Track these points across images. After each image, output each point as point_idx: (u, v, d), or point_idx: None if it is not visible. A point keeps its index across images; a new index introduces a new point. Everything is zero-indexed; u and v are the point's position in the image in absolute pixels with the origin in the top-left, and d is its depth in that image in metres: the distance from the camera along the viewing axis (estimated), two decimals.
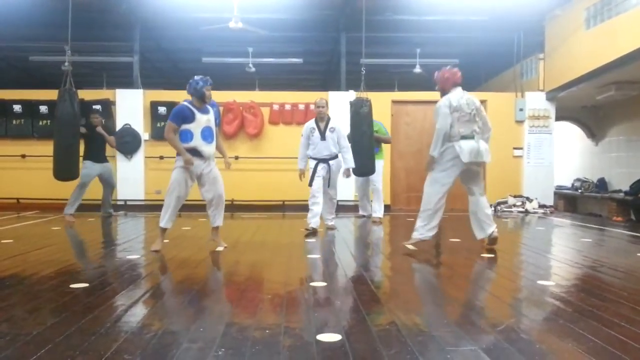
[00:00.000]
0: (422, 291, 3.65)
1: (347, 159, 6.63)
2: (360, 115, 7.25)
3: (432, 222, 5.15)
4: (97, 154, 8.12)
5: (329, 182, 6.72)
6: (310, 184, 6.65)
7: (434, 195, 5.11)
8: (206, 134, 5.00)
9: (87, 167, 8.00)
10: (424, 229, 5.17)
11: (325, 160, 6.60)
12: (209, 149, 5.05)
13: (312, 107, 9.56)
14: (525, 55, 10.72)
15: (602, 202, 11.06)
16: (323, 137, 6.55)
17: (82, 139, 7.76)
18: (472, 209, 5.20)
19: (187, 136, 4.94)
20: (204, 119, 4.99)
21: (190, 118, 4.91)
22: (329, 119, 6.66)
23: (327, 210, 6.93)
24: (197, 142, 4.95)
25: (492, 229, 5.11)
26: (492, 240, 5.13)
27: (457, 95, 4.97)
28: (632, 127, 10.80)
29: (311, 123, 6.70)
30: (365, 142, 7.19)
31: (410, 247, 5.23)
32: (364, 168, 7.19)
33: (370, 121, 7.32)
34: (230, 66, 11.85)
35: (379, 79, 12.62)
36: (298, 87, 12.71)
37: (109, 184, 8.40)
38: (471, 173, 5.11)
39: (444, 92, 5.10)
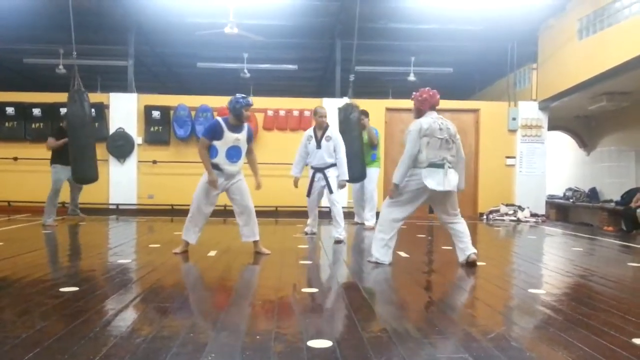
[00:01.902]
0: (413, 298, 3.65)
1: (341, 171, 6.43)
2: (351, 121, 7.29)
3: (389, 246, 4.77)
4: (65, 157, 7.90)
5: (329, 190, 6.46)
6: (307, 195, 6.66)
7: (390, 217, 4.74)
8: (232, 153, 4.96)
9: (57, 172, 7.79)
10: (382, 252, 4.79)
11: (320, 170, 6.51)
12: (231, 168, 5.00)
13: (306, 113, 9.62)
14: (519, 65, 10.79)
15: (594, 212, 11.13)
16: (319, 146, 6.47)
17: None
18: (452, 234, 4.90)
19: (212, 152, 4.96)
20: (232, 138, 4.94)
21: (219, 135, 4.90)
22: (327, 127, 6.56)
23: (333, 221, 6.50)
24: (220, 159, 4.94)
25: (470, 252, 4.80)
26: (470, 263, 4.78)
27: (431, 119, 4.72)
28: (623, 137, 10.89)
29: (310, 131, 6.67)
30: (355, 148, 7.19)
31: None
32: (355, 174, 7.16)
33: (359, 127, 7.35)
34: (225, 72, 11.87)
35: (373, 86, 12.67)
36: (293, 94, 12.71)
37: (76, 185, 8.15)
38: (442, 199, 4.74)
39: (419, 114, 4.85)
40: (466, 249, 4.81)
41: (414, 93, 5.00)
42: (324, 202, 7.05)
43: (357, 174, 7.26)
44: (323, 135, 6.50)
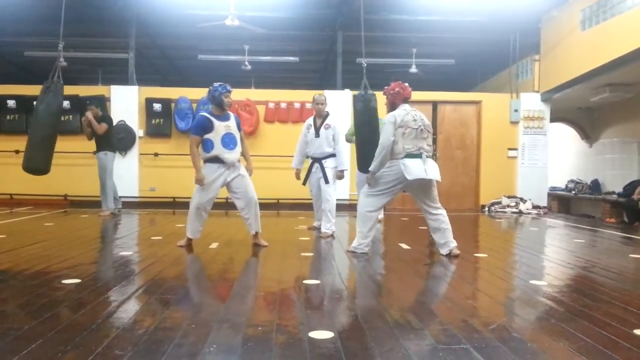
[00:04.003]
0: (415, 290, 3.66)
1: (340, 161, 6.30)
2: (370, 111, 6.92)
3: (368, 235, 4.94)
4: (112, 144, 8.23)
5: (325, 180, 6.26)
6: (303, 183, 6.57)
7: (365, 210, 4.91)
8: (227, 141, 4.96)
9: (109, 158, 8.12)
10: (361, 243, 4.96)
11: (318, 160, 6.34)
12: (231, 155, 4.99)
13: (308, 105, 9.58)
14: (521, 56, 10.74)
15: (596, 204, 11.11)
16: (317, 134, 6.30)
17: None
18: (432, 225, 4.96)
19: (208, 145, 4.93)
20: (223, 126, 4.94)
21: (209, 128, 4.90)
22: (327, 115, 6.42)
23: (323, 214, 6.34)
24: (218, 150, 4.92)
25: (452, 246, 4.85)
26: (453, 257, 4.81)
27: (404, 111, 4.80)
28: (625, 129, 10.85)
29: (310, 119, 6.53)
30: (375, 139, 6.90)
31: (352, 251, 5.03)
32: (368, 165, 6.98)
33: (376, 116, 7.13)
34: (226, 64, 11.84)
35: (375, 78, 12.57)
36: (294, 86, 12.69)
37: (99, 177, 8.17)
38: (421, 189, 4.86)
39: (392, 107, 4.95)
40: (446, 244, 4.88)
41: (385, 88, 5.10)
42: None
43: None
44: (322, 124, 6.34)
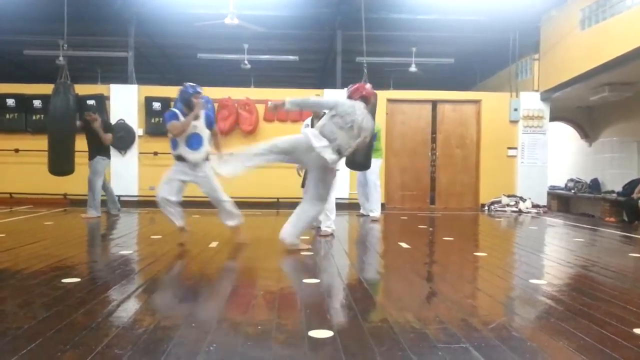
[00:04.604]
0: (414, 289, 3.66)
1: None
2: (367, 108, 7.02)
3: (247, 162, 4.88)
4: (108, 150, 7.99)
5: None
6: (302, 185, 6.57)
7: (266, 144, 4.93)
8: (192, 142, 5.02)
9: (102, 164, 7.85)
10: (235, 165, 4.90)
11: None
12: (194, 156, 5.06)
13: None
14: (521, 56, 10.74)
15: (595, 203, 11.12)
16: None
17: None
18: (296, 211, 4.94)
19: (174, 144, 5.04)
20: (190, 126, 5.00)
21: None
22: (324, 115, 6.49)
23: (322, 213, 6.28)
24: (182, 149, 5.02)
25: (284, 236, 4.85)
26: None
27: (354, 103, 4.74)
28: (625, 128, 10.86)
29: (307, 120, 6.57)
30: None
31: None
32: (357, 161, 7.03)
33: (373, 113, 7.16)
34: (226, 63, 11.82)
35: (374, 77, 12.56)
36: (293, 85, 12.70)
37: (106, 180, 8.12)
38: (311, 169, 4.87)
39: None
40: (286, 231, 4.85)
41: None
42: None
43: (361, 160, 7.11)
44: None
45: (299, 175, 6.59)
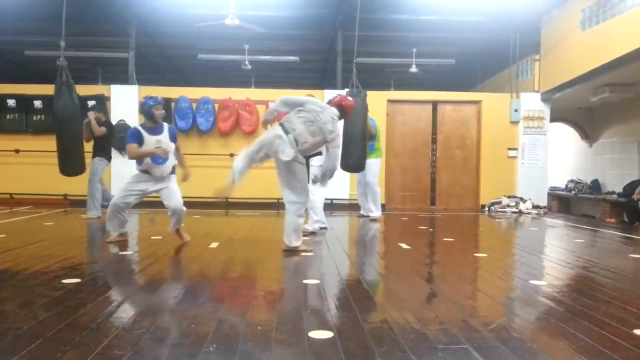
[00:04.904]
0: (414, 289, 3.66)
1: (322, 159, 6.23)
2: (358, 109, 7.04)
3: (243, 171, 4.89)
4: (108, 150, 8.01)
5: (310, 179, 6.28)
6: None
7: (247, 150, 4.92)
8: (155, 158, 5.05)
9: (101, 165, 7.87)
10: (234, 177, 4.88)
11: (306, 158, 6.40)
12: (159, 170, 5.10)
13: None
14: (521, 56, 10.73)
15: (596, 204, 11.11)
16: None
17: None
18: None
19: (139, 160, 5.07)
20: (153, 141, 5.02)
21: (140, 141, 5.00)
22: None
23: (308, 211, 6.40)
24: (147, 164, 5.06)
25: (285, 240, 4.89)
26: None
27: (323, 106, 4.81)
28: (625, 128, 10.85)
29: None
30: (354, 135, 7.01)
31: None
32: (351, 161, 7.05)
33: (364, 114, 7.17)
34: (226, 63, 11.83)
35: (375, 78, 12.62)
36: (294, 85, 12.68)
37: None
38: (279, 167, 4.84)
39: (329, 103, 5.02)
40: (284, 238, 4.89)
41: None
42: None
43: (355, 162, 7.14)
44: None
45: None
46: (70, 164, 6.91)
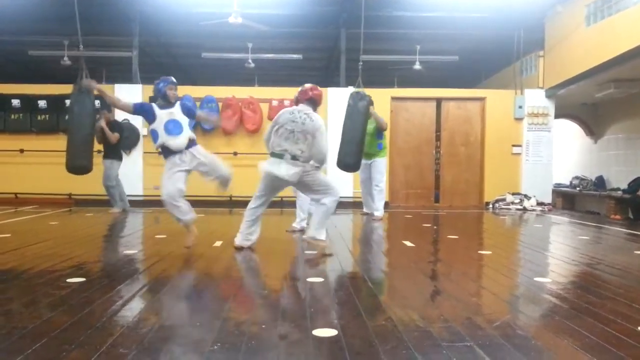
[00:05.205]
0: (418, 287, 3.65)
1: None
2: (356, 108, 7.19)
3: (249, 229, 5.01)
4: (119, 152, 8.50)
5: None
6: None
7: (252, 203, 5.02)
8: (170, 127, 4.90)
9: (114, 166, 8.41)
10: (243, 235, 5.01)
11: None
12: (176, 141, 4.90)
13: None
14: (525, 53, 10.70)
15: (600, 200, 11.06)
16: None
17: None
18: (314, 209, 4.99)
19: (154, 136, 4.93)
20: (165, 114, 4.92)
21: (151, 116, 4.91)
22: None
23: (297, 209, 6.58)
24: (162, 138, 4.89)
25: (310, 235, 4.80)
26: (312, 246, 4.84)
27: (288, 110, 4.88)
28: (631, 125, 10.79)
29: None
30: (355, 135, 7.08)
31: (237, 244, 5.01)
32: (349, 161, 7.10)
33: (365, 117, 7.23)
34: (230, 62, 11.82)
35: (379, 75, 12.60)
36: (297, 83, 12.49)
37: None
38: (299, 183, 4.82)
39: (295, 103, 5.05)
40: (309, 229, 4.83)
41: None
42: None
43: (350, 162, 7.17)
44: None
45: None
46: (79, 160, 6.97)
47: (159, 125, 4.89)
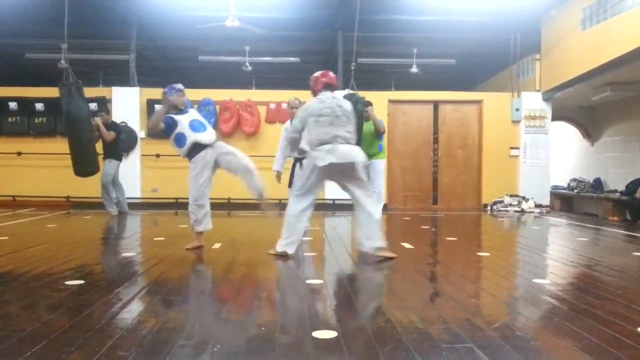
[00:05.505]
0: (417, 289, 3.65)
1: None
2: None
3: (292, 236, 4.64)
4: (118, 152, 8.50)
5: None
6: (289, 185, 6.61)
7: (299, 208, 4.60)
8: (195, 125, 4.92)
9: (113, 166, 8.41)
10: (285, 242, 4.65)
11: (299, 160, 6.45)
12: (205, 135, 4.92)
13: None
14: (522, 56, 10.74)
15: (598, 202, 11.09)
16: None
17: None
18: (359, 219, 4.59)
19: (182, 140, 4.90)
20: (186, 116, 4.95)
21: (173, 124, 4.91)
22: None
23: None
24: (191, 137, 4.86)
25: (377, 242, 4.50)
26: (380, 255, 4.51)
27: (318, 99, 4.54)
28: (627, 127, 10.83)
29: (287, 123, 6.61)
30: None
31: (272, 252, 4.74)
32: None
33: (360, 119, 7.19)
34: (227, 65, 11.83)
35: (376, 78, 12.63)
36: (295, 86, 12.62)
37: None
38: (344, 176, 4.51)
39: (314, 95, 4.70)
40: (372, 238, 4.50)
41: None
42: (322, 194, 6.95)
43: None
44: None
45: (279, 181, 6.61)
46: (87, 164, 7.02)
47: (183, 127, 4.88)
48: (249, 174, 4.99)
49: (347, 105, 4.55)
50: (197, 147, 4.89)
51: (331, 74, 4.70)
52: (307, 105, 4.61)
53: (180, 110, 5.00)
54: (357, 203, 4.57)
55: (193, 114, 5.06)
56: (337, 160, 4.29)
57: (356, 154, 4.43)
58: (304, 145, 6.14)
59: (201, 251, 5.01)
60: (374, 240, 4.48)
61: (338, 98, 4.61)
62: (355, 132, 4.59)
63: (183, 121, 4.91)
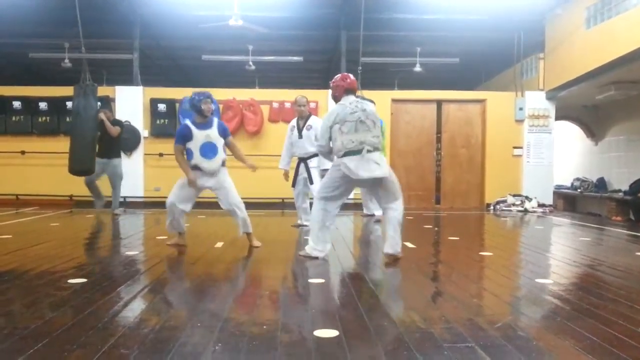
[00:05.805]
0: (420, 288, 3.65)
1: (322, 160, 6.26)
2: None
3: (320, 243, 4.57)
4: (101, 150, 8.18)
5: (309, 180, 6.45)
6: (292, 185, 6.64)
7: (325, 209, 4.55)
8: (205, 150, 4.93)
9: (120, 164, 8.39)
10: (316, 246, 4.56)
11: (303, 160, 6.49)
12: (209, 165, 4.96)
13: (312, 105, 9.55)
14: (526, 55, 10.71)
15: (602, 202, 11.06)
16: (300, 135, 6.46)
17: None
18: (386, 219, 4.61)
19: (189, 154, 4.95)
20: (202, 135, 4.92)
21: (189, 137, 4.91)
22: (309, 116, 6.55)
23: (304, 211, 6.70)
24: (197, 159, 4.92)
25: (396, 248, 4.50)
26: (393, 259, 4.52)
27: (341, 106, 4.45)
28: (631, 126, 10.79)
29: (293, 121, 6.65)
30: None
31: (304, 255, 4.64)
32: None
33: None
34: (230, 64, 11.83)
35: (379, 77, 12.61)
36: (298, 85, 12.67)
37: (110, 181, 8.30)
38: (373, 185, 4.54)
39: (335, 101, 4.65)
40: (394, 244, 4.50)
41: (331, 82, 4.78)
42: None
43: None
44: (304, 125, 6.48)
45: (287, 179, 6.66)
46: (85, 162, 7.04)
47: (195, 145, 4.90)
48: (234, 213, 5.08)
49: (371, 108, 4.50)
50: (198, 169, 4.94)
51: (351, 77, 4.65)
52: (329, 113, 4.56)
53: (204, 120, 4.98)
54: (385, 208, 4.60)
55: (212, 134, 4.98)
56: (368, 176, 4.28)
57: (383, 165, 4.40)
58: (312, 148, 6.20)
59: (202, 250, 5.01)
60: (391, 245, 4.49)
61: (361, 101, 4.56)
62: (381, 135, 4.54)
63: (197, 140, 4.90)
